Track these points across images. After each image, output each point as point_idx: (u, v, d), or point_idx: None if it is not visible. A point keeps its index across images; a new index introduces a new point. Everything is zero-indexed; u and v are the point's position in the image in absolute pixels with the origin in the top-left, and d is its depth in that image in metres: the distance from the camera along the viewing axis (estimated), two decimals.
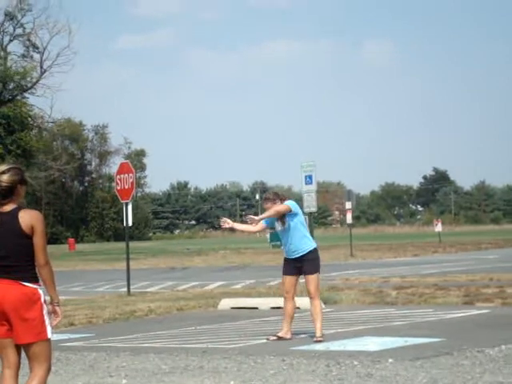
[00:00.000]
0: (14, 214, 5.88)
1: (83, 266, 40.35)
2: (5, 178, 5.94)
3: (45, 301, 5.90)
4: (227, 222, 11.15)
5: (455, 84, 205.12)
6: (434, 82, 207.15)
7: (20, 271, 5.84)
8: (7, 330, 5.86)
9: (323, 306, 14.60)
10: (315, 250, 11.04)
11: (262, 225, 11.18)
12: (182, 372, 8.91)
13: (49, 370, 5.97)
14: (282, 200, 11.06)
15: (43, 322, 5.85)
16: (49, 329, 5.89)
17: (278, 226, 11.05)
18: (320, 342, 10.63)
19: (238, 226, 11.56)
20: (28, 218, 5.87)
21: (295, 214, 10.96)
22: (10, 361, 5.96)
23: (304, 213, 20.38)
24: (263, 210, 11.27)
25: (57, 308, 5.99)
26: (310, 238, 11.20)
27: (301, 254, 10.91)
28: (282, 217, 10.93)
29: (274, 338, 11.06)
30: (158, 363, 9.54)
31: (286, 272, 11.10)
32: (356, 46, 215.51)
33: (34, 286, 5.86)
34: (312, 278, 10.91)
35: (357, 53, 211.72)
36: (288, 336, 11.04)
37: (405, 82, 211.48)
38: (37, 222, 5.89)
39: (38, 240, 5.88)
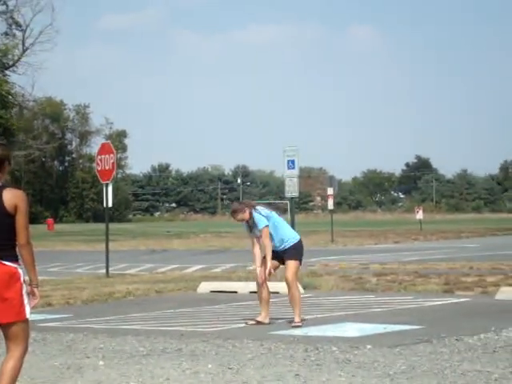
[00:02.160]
0: None
1: (62, 246, 40.16)
2: None
3: (24, 281, 5.83)
4: (262, 274, 11.00)
5: (439, 72, 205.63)
6: (417, 68, 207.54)
7: (1, 250, 5.75)
8: None
9: (302, 291, 14.58)
10: (299, 241, 11.09)
11: (254, 237, 11.07)
12: (159, 355, 8.86)
13: (26, 350, 5.91)
14: (250, 207, 11.02)
15: (22, 301, 5.78)
16: (27, 309, 5.83)
17: (256, 232, 11.02)
18: (298, 327, 10.60)
19: (260, 260, 11.09)
20: (11, 197, 5.78)
21: (269, 221, 10.96)
22: None
23: (285, 198, 20.35)
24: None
25: (35, 289, 5.91)
26: (292, 231, 11.23)
27: (285, 248, 10.98)
28: (254, 227, 10.96)
29: (253, 322, 11.02)
30: (136, 345, 9.49)
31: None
32: (340, 31, 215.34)
33: (15, 266, 5.78)
34: (291, 263, 10.91)
35: (341, 38, 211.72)
36: (266, 321, 11.01)
37: (389, 69, 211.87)
38: (20, 202, 5.80)
39: (21, 219, 5.80)
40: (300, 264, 11.08)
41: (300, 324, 10.70)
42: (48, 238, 49.91)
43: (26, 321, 5.85)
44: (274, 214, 11.10)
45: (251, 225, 10.98)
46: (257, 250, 11.05)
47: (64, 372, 8.01)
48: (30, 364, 8.41)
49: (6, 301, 5.72)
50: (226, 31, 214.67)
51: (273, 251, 10.99)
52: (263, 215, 10.97)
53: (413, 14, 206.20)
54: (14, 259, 5.80)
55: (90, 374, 7.87)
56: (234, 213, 11.11)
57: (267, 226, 10.89)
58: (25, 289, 5.81)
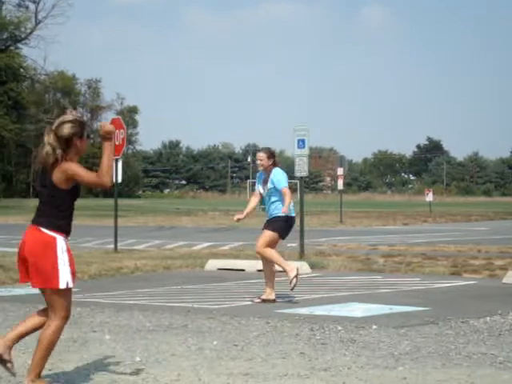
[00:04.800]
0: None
1: None
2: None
3: (66, 250, 5.93)
4: (239, 216, 11.13)
5: (452, 53, 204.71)
6: (430, 50, 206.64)
7: (40, 216, 5.93)
8: (27, 274, 5.98)
9: (309, 270, 14.60)
10: (286, 217, 10.93)
11: (258, 193, 11.20)
12: (165, 330, 8.88)
13: (65, 318, 6.04)
14: (274, 164, 11.04)
15: (56, 271, 5.89)
16: (62, 279, 5.92)
17: (261, 189, 11.14)
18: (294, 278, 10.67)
19: (247, 211, 11.29)
20: (61, 173, 5.91)
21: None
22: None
23: (295, 177, 20.35)
24: (255, 169, 11.51)
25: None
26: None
27: (272, 217, 11.00)
28: (266, 182, 11.04)
29: (258, 300, 11.03)
30: (142, 320, 9.51)
31: (263, 227, 11.16)
32: (353, 10, 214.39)
33: (52, 235, 5.90)
34: (265, 232, 10.92)
35: (354, 17, 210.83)
36: (272, 297, 11.00)
37: (401, 50, 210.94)
38: (71, 172, 5.91)
39: (84, 180, 5.94)
40: (275, 235, 10.96)
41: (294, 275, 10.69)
42: None
43: (60, 291, 5.96)
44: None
45: (266, 177, 10.97)
46: (254, 200, 11.19)
47: (70, 345, 8.03)
48: (36, 337, 8.44)
49: (39, 268, 5.87)
50: (238, 8, 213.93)
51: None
52: (286, 176, 11.03)
53: None
54: (53, 228, 5.92)
55: (96, 347, 7.90)
56: (261, 152, 11.08)
57: (287, 187, 10.94)
58: (61, 259, 5.92)
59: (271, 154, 11.11)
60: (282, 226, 10.93)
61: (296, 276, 10.74)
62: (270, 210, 11.03)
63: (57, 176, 5.92)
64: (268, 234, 10.92)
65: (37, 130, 74.86)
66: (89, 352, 7.64)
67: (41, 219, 5.95)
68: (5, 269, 14.79)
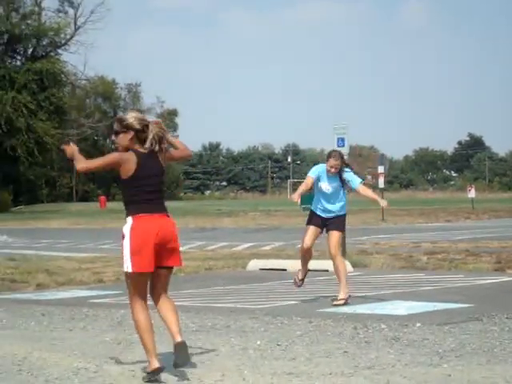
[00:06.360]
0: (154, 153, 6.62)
1: (114, 223, 40.52)
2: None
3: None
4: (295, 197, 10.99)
5: (493, 48, 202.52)
6: (471, 45, 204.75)
7: (163, 205, 6.68)
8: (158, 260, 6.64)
9: (351, 269, 14.56)
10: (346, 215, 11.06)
11: (312, 183, 10.91)
12: (208, 331, 8.91)
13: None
14: (344, 164, 10.91)
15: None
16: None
17: (328, 186, 10.82)
18: (340, 305, 10.50)
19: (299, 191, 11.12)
20: (163, 159, 6.67)
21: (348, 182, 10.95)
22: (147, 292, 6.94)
23: None
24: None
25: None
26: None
27: (333, 216, 10.85)
28: (341, 177, 10.83)
29: (300, 282, 11.23)
30: (186, 322, 9.55)
31: (312, 222, 10.94)
32: (392, 7, 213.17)
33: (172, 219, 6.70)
34: (337, 234, 10.82)
35: (393, 14, 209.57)
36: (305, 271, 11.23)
37: (441, 45, 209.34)
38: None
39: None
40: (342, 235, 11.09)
41: (341, 302, 10.60)
42: (100, 215, 50.42)
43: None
44: None
45: (342, 178, 10.79)
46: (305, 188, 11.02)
47: (114, 347, 8.10)
48: (81, 339, 8.54)
49: (175, 249, 6.64)
50: (276, 9, 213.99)
51: (317, 217, 10.89)
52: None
53: None
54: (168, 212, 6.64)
55: (140, 349, 7.91)
56: (333, 159, 10.78)
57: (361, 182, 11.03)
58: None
59: (342, 157, 10.99)
60: (345, 225, 11.00)
61: (344, 303, 10.59)
62: (336, 208, 10.87)
63: (164, 161, 6.66)
64: (339, 235, 10.88)
65: (78, 135, 75.49)
66: (133, 354, 7.70)
67: (163, 206, 6.63)
68: (49, 273, 14.95)
